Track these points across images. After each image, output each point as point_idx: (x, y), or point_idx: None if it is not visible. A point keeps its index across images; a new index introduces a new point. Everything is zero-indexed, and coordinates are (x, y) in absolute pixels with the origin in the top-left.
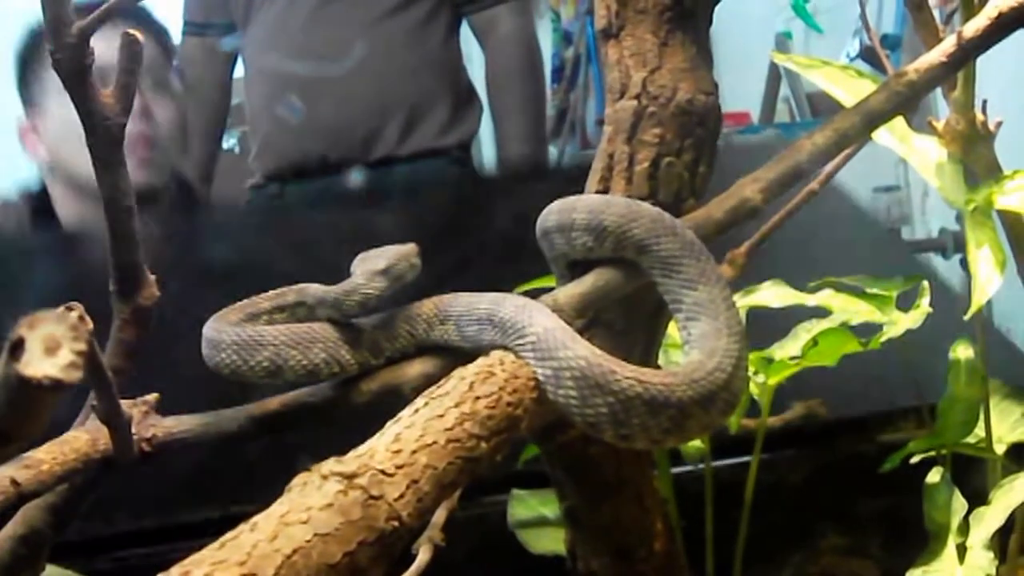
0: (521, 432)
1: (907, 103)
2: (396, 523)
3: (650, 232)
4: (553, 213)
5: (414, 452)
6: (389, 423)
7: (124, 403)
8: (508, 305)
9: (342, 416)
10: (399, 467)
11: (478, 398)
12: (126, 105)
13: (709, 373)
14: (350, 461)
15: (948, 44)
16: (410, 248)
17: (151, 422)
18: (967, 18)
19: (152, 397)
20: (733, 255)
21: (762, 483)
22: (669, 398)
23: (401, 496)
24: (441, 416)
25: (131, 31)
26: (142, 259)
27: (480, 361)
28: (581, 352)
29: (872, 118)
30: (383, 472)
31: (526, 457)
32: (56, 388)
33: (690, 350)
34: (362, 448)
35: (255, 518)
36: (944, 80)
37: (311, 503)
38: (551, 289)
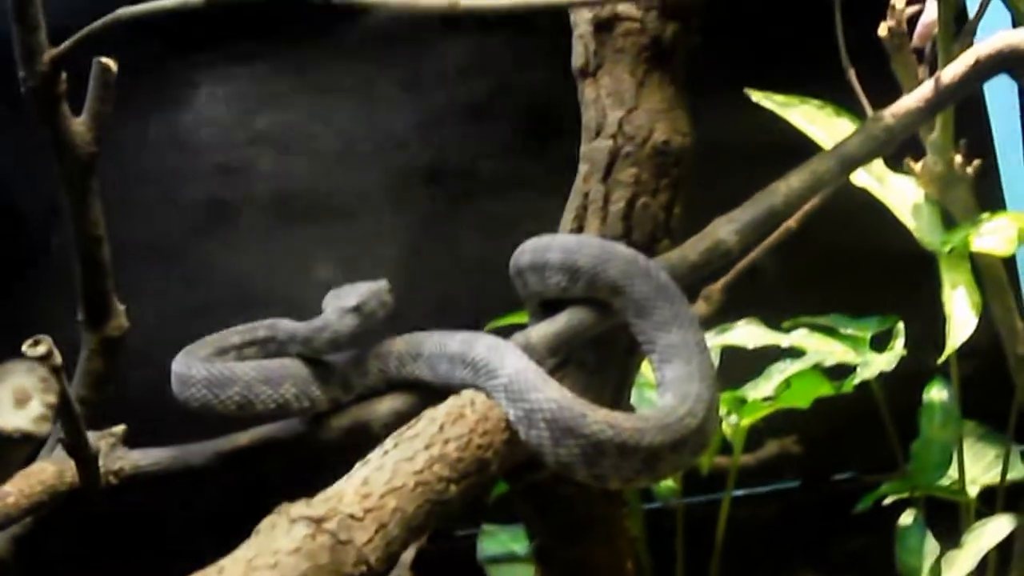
0: (491, 474)
1: (884, 147)
2: (364, 568)
3: (624, 274)
4: (527, 252)
5: (383, 495)
6: (358, 464)
7: (91, 435)
8: (480, 345)
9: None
10: (368, 511)
11: (448, 440)
12: (98, 134)
13: (680, 418)
14: (319, 504)
15: (926, 89)
16: (382, 285)
17: (118, 455)
18: (946, 60)
19: (119, 429)
20: (709, 291)
21: (734, 520)
22: (640, 442)
23: (369, 540)
24: (411, 459)
25: (104, 59)
26: (111, 289)
27: (451, 401)
28: (553, 395)
29: (849, 162)
30: (352, 516)
31: (496, 494)
32: (26, 441)
33: (664, 392)
34: (330, 491)
35: (221, 561)
36: (922, 125)
37: (279, 547)
38: (523, 325)
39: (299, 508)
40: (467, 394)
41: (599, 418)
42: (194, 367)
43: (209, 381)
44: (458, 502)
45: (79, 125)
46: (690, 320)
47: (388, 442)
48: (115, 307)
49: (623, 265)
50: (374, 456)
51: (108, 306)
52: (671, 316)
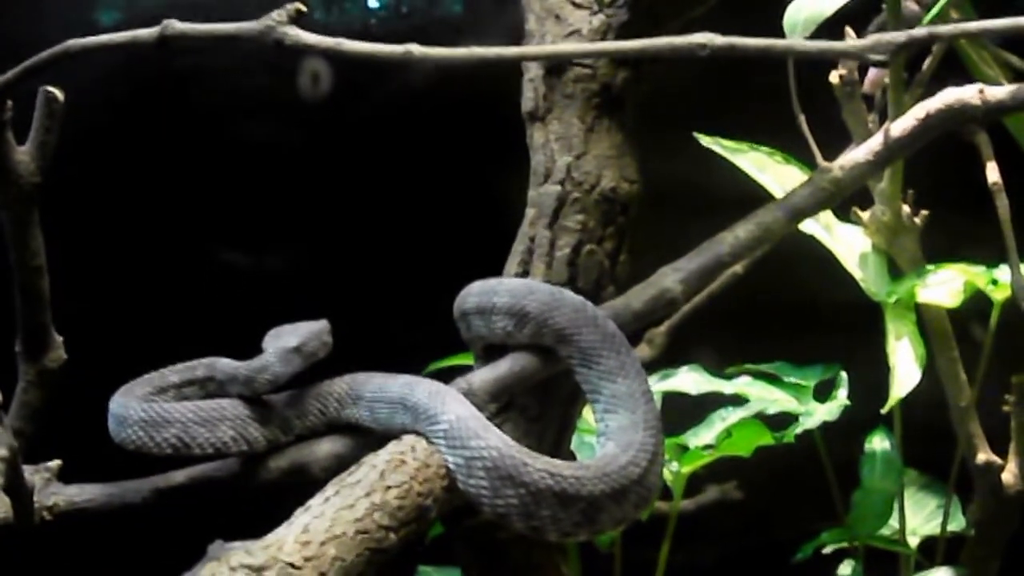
0: (431, 520)
1: (832, 199)
2: None
3: (572, 322)
4: (473, 295)
5: (323, 544)
6: (299, 511)
7: (26, 469)
8: (421, 390)
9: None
10: (308, 559)
11: (389, 488)
12: (42, 164)
13: (623, 467)
14: (258, 553)
15: (875, 143)
16: (322, 326)
17: (53, 490)
18: (897, 110)
19: (54, 464)
20: (652, 334)
21: (673, 567)
22: (580, 491)
23: None
24: (351, 506)
25: (50, 88)
26: (50, 320)
27: (391, 447)
28: (493, 442)
29: (796, 213)
30: (291, 565)
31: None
32: None
33: (606, 442)
34: (270, 538)
35: None
36: (870, 178)
37: None
38: (467, 367)
39: (239, 556)
40: (408, 440)
41: (540, 466)
42: (131, 407)
43: (145, 422)
44: (397, 550)
45: (23, 155)
46: (636, 370)
47: (329, 488)
48: (53, 338)
49: (571, 313)
50: (314, 503)
51: (46, 337)
52: (617, 366)
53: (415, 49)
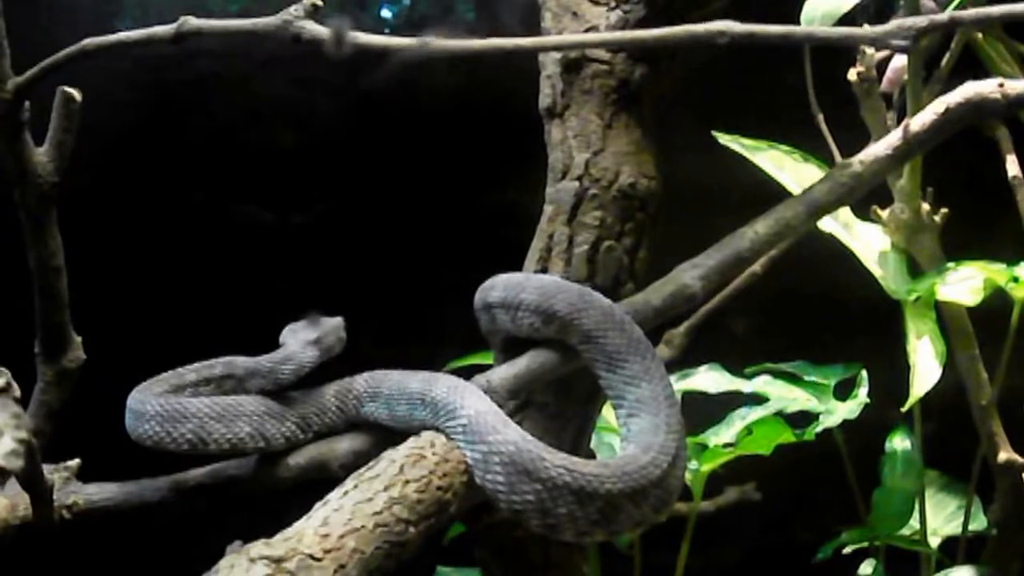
0: (451, 516)
1: (851, 194)
2: None
3: (599, 324)
4: (498, 288)
5: (342, 536)
6: (317, 505)
7: (45, 468)
8: (440, 385)
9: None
10: (327, 551)
11: (408, 481)
12: (60, 164)
13: (642, 467)
14: (278, 544)
15: (894, 137)
16: (338, 321)
17: (72, 489)
18: (915, 107)
19: (73, 463)
20: (671, 335)
21: (693, 568)
22: (598, 489)
23: None
24: (370, 500)
25: (67, 88)
26: (68, 320)
27: (411, 442)
28: (512, 437)
29: (816, 209)
30: (311, 557)
31: (451, 535)
32: None
33: (627, 445)
34: (290, 531)
35: None
36: (890, 172)
37: None
38: (485, 366)
39: (259, 548)
40: (427, 435)
41: (558, 462)
42: (148, 403)
43: (162, 417)
44: (417, 544)
45: (41, 155)
46: (660, 375)
47: (348, 482)
48: (72, 338)
49: (599, 316)
50: (333, 496)
51: (65, 337)
52: (642, 371)
53: (432, 41)
